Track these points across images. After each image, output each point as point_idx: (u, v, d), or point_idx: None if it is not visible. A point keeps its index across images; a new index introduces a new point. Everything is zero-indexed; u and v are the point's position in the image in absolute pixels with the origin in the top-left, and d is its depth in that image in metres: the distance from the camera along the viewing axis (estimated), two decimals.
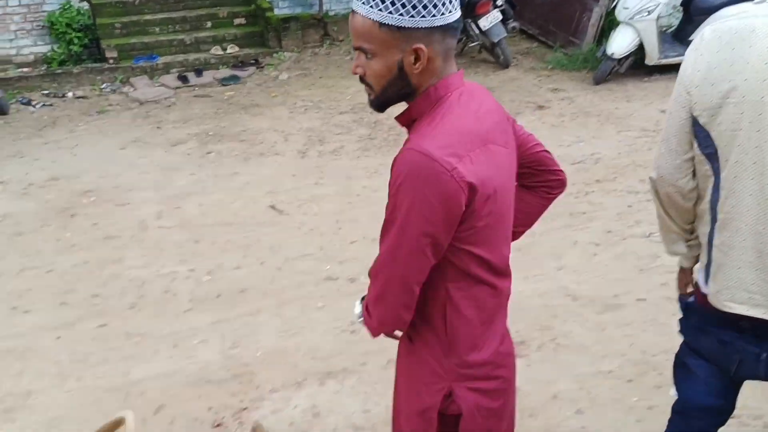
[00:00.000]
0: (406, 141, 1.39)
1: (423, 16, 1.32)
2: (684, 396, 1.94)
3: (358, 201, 4.63)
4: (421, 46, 1.34)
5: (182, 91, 7.24)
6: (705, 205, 1.71)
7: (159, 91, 7.19)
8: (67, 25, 7.73)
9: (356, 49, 1.41)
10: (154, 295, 3.80)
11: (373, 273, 1.48)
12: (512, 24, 7.55)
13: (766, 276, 1.61)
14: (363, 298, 1.60)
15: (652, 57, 6.55)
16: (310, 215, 4.58)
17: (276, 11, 8.38)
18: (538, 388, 2.96)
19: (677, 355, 1.96)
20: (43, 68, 7.73)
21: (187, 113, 6.61)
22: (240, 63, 7.82)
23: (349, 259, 4.00)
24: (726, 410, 1.93)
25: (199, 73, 7.59)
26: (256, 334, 3.44)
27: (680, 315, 1.94)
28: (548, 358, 3.16)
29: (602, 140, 5.49)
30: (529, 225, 1.79)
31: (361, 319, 1.58)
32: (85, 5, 7.93)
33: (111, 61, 7.65)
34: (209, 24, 8.26)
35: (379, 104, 1.46)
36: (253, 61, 7.86)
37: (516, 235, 1.77)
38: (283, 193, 4.89)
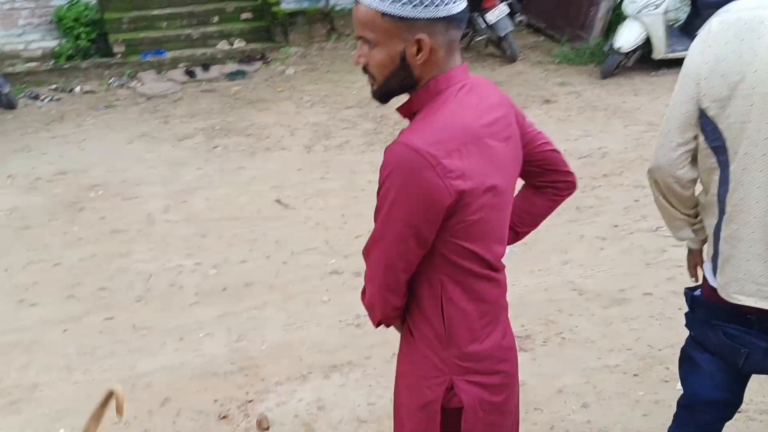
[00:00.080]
0: (400, 133, 1.39)
1: (426, 6, 1.31)
2: (690, 390, 1.94)
3: (364, 195, 4.63)
4: (424, 36, 1.33)
5: (189, 86, 7.25)
6: (711, 197, 1.69)
7: (166, 86, 7.20)
8: (75, 19, 7.73)
9: (359, 38, 1.40)
10: (160, 288, 3.81)
11: (364, 253, 1.52)
12: (519, 18, 7.53)
13: None
14: None
15: (660, 51, 6.52)
16: (315, 210, 4.58)
17: (283, 6, 8.37)
18: (544, 383, 2.96)
19: (683, 349, 1.96)
20: (50, 63, 7.75)
21: (194, 108, 6.61)
22: (247, 58, 7.82)
23: (354, 254, 4.00)
24: (732, 404, 1.92)
25: (206, 67, 7.60)
26: (261, 327, 3.44)
27: (686, 309, 1.93)
28: (554, 353, 3.16)
29: (609, 134, 5.47)
30: (534, 226, 1.76)
31: None
32: (93, 0, 7.94)
33: (118, 55, 7.66)
34: (216, 19, 8.26)
35: (382, 95, 1.46)
36: (259, 56, 7.86)
37: (520, 236, 1.75)
38: (289, 188, 4.89)
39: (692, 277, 2.02)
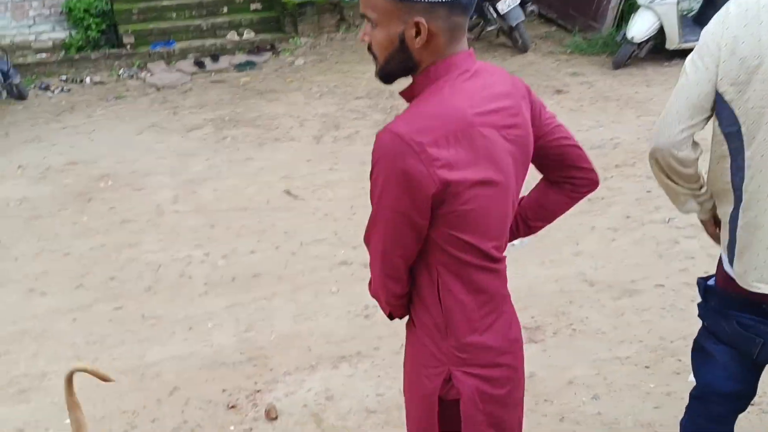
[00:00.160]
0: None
1: None
2: (703, 381, 1.90)
3: None
4: (422, 20, 1.31)
5: (199, 77, 7.24)
6: (725, 185, 1.66)
7: (176, 77, 7.20)
8: (85, 10, 7.74)
9: (362, 16, 1.39)
10: (169, 278, 3.81)
11: (365, 241, 1.51)
12: (531, 7, 7.46)
13: None
14: None
15: (673, 41, 6.44)
16: (324, 200, 4.56)
17: None
18: (554, 374, 2.93)
19: (696, 340, 1.92)
20: (61, 54, 7.77)
21: (204, 99, 6.61)
22: (256, 48, 7.80)
23: (362, 245, 3.96)
24: (746, 395, 1.89)
25: (215, 58, 7.59)
26: (270, 318, 3.44)
27: (699, 300, 1.90)
28: (564, 344, 3.13)
29: (621, 125, 5.42)
30: (549, 221, 1.70)
31: None
32: None
33: (128, 46, 7.67)
34: (225, 9, 8.25)
35: (383, 75, 1.44)
36: (269, 47, 7.83)
37: (532, 230, 1.70)
38: (297, 179, 4.88)
39: (718, 243, 1.95)
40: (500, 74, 1.45)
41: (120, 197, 4.75)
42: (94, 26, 7.79)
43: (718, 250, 1.85)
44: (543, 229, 1.73)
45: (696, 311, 1.91)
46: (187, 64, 7.50)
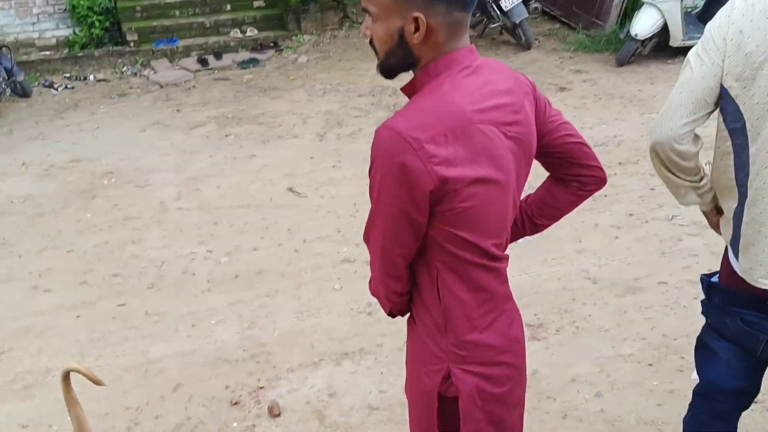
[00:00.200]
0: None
1: None
2: (706, 378, 1.90)
3: None
4: (420, 15, 1.30)
5: (202, 74, 7.25)
6: (729, 181, 1.65)
7: (179, 74, 7.21)
8: (89, 8, 7.75)
9: (364, 10, 1.39)
10: (172, 275, 3.82)
11: (365, 239, 1.50)
12: (534, 5, 7.44)
13: None
14: None
15: (677, 38, 6.41)
16: (327, 198, 4.56)
17: None
18: (557, 371, 2.93)
19: (699, 337, 1.92)
20: (64, 51, 7.77)
21: (207, 96, 6.61)
22: (259, 46, 7.80)
23: None
24: (750, 392, 1.88)
25: (218, 56, 7.59)
26: (273, 315, 3.44)
27: (702, 297, 1.89)
28: (567, 341, 3.13)
29: (625, 122, 5.40)
30: (555, 219, 1.69)
31: None
32: None
33: (132, 44, 7.67)
34: (229, 7, 8.24)
35: (384, 70, 1.44)
36: (272, 44, 7.83)
37: (538, 228, 1.70)
38: (301, 176, 4.88)
39: (721, 234, 1.94)
40: (503, 70, 1.44)
41: (123, 194, 4.76)
42: (97, 24, 7.79)
43: (722, 248, 1.85)
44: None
45: (699, 308, 1.91)
46: (191, 62, 7.50)
